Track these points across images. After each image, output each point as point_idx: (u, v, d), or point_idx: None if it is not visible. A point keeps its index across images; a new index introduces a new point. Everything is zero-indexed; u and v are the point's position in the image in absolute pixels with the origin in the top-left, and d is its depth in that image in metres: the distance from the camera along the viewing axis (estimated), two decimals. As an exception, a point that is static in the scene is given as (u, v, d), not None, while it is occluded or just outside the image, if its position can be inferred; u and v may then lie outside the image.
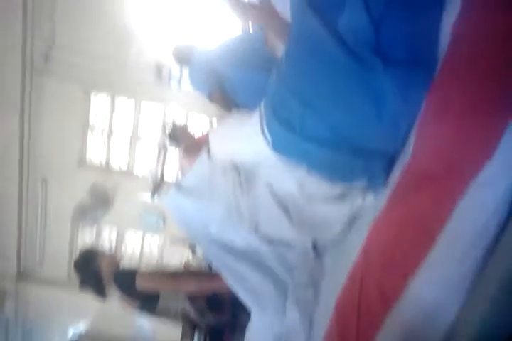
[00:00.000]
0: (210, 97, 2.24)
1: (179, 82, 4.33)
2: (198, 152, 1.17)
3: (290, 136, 0.92)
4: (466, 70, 0.74)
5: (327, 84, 0.86)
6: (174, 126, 3.38)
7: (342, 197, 1.03)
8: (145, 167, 4.55)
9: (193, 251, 4.59)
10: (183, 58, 2.27)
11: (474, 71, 0.72)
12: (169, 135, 3.60)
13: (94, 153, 4.97)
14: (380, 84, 0.81)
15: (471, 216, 0.78)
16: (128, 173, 5.01)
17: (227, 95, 2.09)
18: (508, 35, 0.68)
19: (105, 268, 1.63)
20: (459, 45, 0.75)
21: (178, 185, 1.13)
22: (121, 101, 4.80)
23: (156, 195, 4.04)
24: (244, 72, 1.92)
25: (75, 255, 1.83)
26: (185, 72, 4.12)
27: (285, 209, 1.05)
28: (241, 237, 1.08)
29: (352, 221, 1.08)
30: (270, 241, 1.07)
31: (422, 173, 0.82)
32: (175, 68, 4.19)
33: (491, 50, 0.70)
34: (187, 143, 3.22)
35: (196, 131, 2.62)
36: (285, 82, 0.95)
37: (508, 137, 0.70)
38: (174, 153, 4.68)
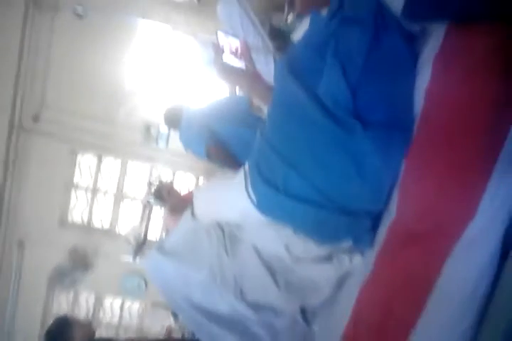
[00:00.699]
0: (208, 153, 2.15)
1: (167, 140, 4.40)
2: (183, 211, 1.16)
3: (274, 195, 0.92)
4: (441, 132, 0.77)
5: (308, 146, 0.88)
6: (160, 184, 3.38)
7: (329, 258, 1.01)
8: (128, 226, 4.45)
9: (175, 316, 4.37)
10: (174, 121, 2.30)
11: (449, 132, 0.76)
12: (155, 193, 3.58)
13: (77, 212, 4.88)
14: (360, 145, 0.83)
15: (460, 275, 0.78)
16: (110, 233, 4.89)
17: (224, 148, 2.06)
18: (477, 98, 0.72)
19: (79, 339, 1.51)
20: (433, 108, 0.79)
21: (160, 247, 1.10)
22: (108, 160, 4.82)
23: (138, 257, 3.91)
24: (232, 128, 1.94)
25: (48, 324, 1.71)
26: (174, 132, 4.26)
27: (272, 272, 1.02)
28: (226, 303, 1.03)
29: (340, 283, 1.05)
30: (257, 308, 1.02)
31: (407, 233, 0.82)
32: (163, 127, 4.29)
33: (464, 111, 0.74)
34: (172, 201, 3.18)
35: (182, 190, 2.57)
36: (268, 142, 0.97)
37: (488, 196, 0.72)
38: (158, 212, 4.63)
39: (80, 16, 2.82)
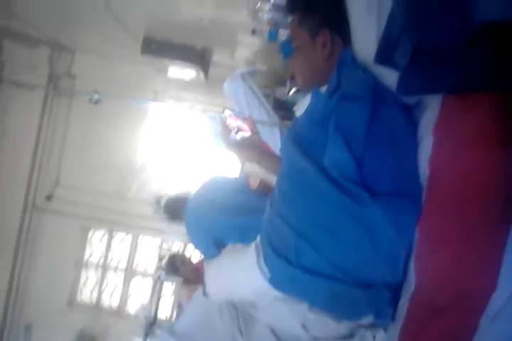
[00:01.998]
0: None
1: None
2: (198, 281, 1.12)
3: (287, 268, 0.90)
4: (449, 201, 0.77)
5: (319, 217, 0.87)
6: (173, 254, 3.30)
7: (350, 337, 0.95)
8: (138, 305, 4.29)
9: None
10: (175, 213, 2.14)
11: (456, 201, 0.75)
12: (168, 263, 3.49)
13: (86, 291, 4.74)
14: (371, 214, 0.83)
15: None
16: (119, 313, 4.70)
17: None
18: (481, 167, 0.73)
19: None
20: (438, 177, 0.79)
21: (171, 329, 1.05)
22: (119, 236, 4.81)
23: (148, 338, 3.71)
24: (234, 222, 1.72)
25: None
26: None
27: (289, 354, 0.95)
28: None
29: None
30: None
31: (429, 306, 0.77)
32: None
33: (469, 180, 0.74)
34: (187, 271, 3.08)
35: (194, 260, 2.48)
36: (278, 214, 0.97)
37: (507, 264, 0.69)
38: (169, 288, 4.48)
39: (95, 102, 3.01)
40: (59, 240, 4.48)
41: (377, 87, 0.89)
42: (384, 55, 0.83)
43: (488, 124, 0.71)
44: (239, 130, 1.29)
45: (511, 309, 0.70)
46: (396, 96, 0.89)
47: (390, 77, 0.88)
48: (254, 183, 1.75)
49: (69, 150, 4.55)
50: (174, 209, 2.13)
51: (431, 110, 0.83)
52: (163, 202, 2.28)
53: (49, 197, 4.50)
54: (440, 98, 0.81)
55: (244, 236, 1.28)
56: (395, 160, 0.86)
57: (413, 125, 0.89)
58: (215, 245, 1.33)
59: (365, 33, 0.90)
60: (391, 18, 0.80)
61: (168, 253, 3.90)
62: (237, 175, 2.04)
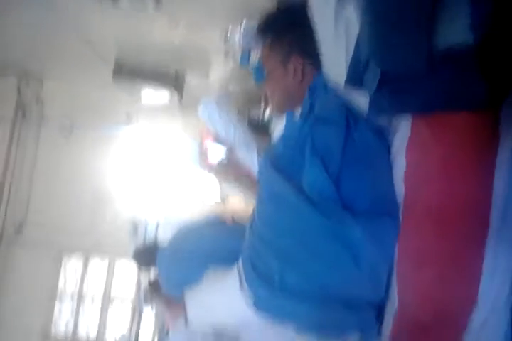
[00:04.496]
0: None
1: (155, 236, 4.33)
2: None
3: (271, 293, 0.89)
4: (425, 219, 0.79)
5: (300, 239, 0.88)
6: (155, 278, 3.20)
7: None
8: (117, 335, 4.13)
9: None
10: (147, 263, 2.05)
11: (433, 218, 0.77)
12: (150, 287, 3.38)
13: (61, 323, 4.54)
14: (351, 233, 0.84)
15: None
16: (98, 343, 4.51)
17: None
18: (455, 184, 0.75)
19: None
20: (413, 195, 0.82)
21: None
22: (95, 262, 4.67)
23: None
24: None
25: None
26: (162, 226, 4.21)
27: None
28: None
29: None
30: None
31: (412, 324, 0.78)
32: (151, 224, 4.26)
33: (443, 198, 0.76)
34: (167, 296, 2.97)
35: None
36: (259, 237, 0.96)
37: (487, 280, 0.71)
38: (149, 315, 4.35)
39: (65, 129, 2.97)
40: (31, 272, 4.29)
41: (349, 111, 0.91)
42: (354, 79, 0.85)
43: (457, 146, 0.74)
44: (215, 152, 1.30)
45: (493, 324, 0.72)
46: (368, 119, 0.92)
47: (361, 100, 0.90)
48: (228, 220, 1.73)
49: (39, 180, 4.41)
50: (145, 256, 2.05)
51: (402, 131, 0.86)
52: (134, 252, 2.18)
53: (19, 229, 4.34)
54: (410, 119, 0.84)
55: (226, 258, 1.25)
56: (371, 179, 0.88)
57: (386, 145, 0.92)
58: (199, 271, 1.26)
59: (335, 58, 0.93)
60: (358, 43, 0.84)
61: (148, 278, 3.80)
62: (206, 217, 1.98)
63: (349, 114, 0.91)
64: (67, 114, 3.12)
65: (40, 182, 4.41)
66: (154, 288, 3.08)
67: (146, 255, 2.00)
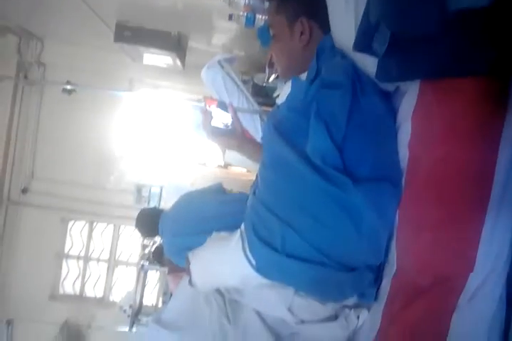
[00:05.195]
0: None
1: (159, 200, 4.39)
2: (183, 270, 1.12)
3: (274, 256, 0.91)
4: (428, 184, 0.79)
5: (302, 204, 0.89)
6: (158, 245, 3.28)
7: (336, 318, 0.98)
8: (122, 293, 4.28)
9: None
10: (150, 227, 2.07)
11: (436, 184, 0.78)
12: (152, 255, 3.46)
13: (69, 283, 4.70)
14: (353, 200, 0.84)
15: (469, 329, 0.76)
16: (104, 302, 4.68)
17: None
18: (459, 150, 0.75)
19: None
20: (417, 161, 0.82)
21: (158, 318, 1.06)
22: (100, 226, 4.76)
23: (134, 326, 3.72)
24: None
25: None
26: (165, 189, 4.26)
27: (277, 337, 0.98)
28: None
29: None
30: None
31: (410, 286, 0.81)
32: (154, 187, 4.31)
33: (447, 163, 0.76)
34: (170, 261, 3.07)
35: None
36: (262, 202, 0.97)
37: (484, 246, 0.72)
38: (154, 277, 4.48)
39: (68, 91, 2.92)
40: (38, 233, 4.40)
41: (356, 74, 0.90)
42: (362, 43, 0.83)
43: (464, 112, 0.73)
44: (219, 116, 1.29)
45: (487, 289, 0.74)
46: (375, 83, 0.90)
47: (369, 64, 0.89)
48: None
49: (43, 141, 4.42)
50: (148, 223, 2.04)
51: (409, 96, 0.85)
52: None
53: (25, 190, 4.40)
54: (418, 84, 0.83)
55: (229, 224, 1.26)
56: (375, 145, 0.88)
57: (392, 111, 0.91)
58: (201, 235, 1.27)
59: (344, 21, 0.91)
60: (369, 5, 0.81)
61: (152, 243, 3.88)
62: (209, 185, 1.97)
63: (356, 78, 0.89)
64: (68, 76, 3.07)
65: (44, 145, 4.42)
66: (158, 254, 3.17)
67: (149, 224, 2.01)
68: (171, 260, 3.04)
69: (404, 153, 0.85)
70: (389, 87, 0.92)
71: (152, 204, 4.26)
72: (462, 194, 0.75)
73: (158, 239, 3.90)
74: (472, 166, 0.74)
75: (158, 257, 3.20)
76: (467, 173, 0.74)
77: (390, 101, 0.92)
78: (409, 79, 0.84)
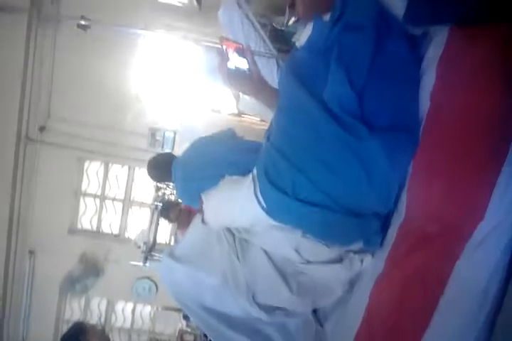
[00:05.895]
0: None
1: (172, 144, 4.43)
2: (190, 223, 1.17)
3: (284, 199, 0.93)
4: (447, 133, 0.78)
5: (316, 150, 0.89)
6: (167, 204, 3.37)
7: (340, 261, 1.02)
8: (137, 231, 4.47)
9: (187, 319, 4.39)
10: (163, 172, 2.01)
11: (455, 133, 0.76)
12: (160, 212, 3.56)
13: (86, 219, 4.91)
14: (367, 149, 0.84)
15: (471, 275, 0.78)
16: (120, 238, 4.92)
17: None
18: (482, 99, 0.73)
19: None
20: (439, 109, 0.80)
21: (171, 253, 1.11)
22: (115, 167, 4.86)
23: (148, 261, 3.94)
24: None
25: (62, 330, 1.74)
26: (179, 134, 4.27)
27: (283, 275, 1.03)
28: (238, 307, 1.04)
29: (352, 283, 1.06)
30: (269, 310, 1.03)
31: (417, 234, 0.82)
32: (168, 132, 4.32)
33: (469, 112, 0.75)
34: (178, 217, 3.18)
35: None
36: (275, 146, 0.98)
37: (497, 197, 0.73)
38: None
39: (83, 27, 2.84)
40: (55, 170, 4.52)
41: (382, 16, 0.85)
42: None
43: (493, 56, 0.70)
44: (235, 59, 1.25)
45: (494, 238, 0.76)
46: (402, 27, 0.85)
47: (397, 6, 0.84)
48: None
49: (59, 80, 4.39)
50: (159, 171, 2.02)
51: (436, 43, 0.81)
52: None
53: (42, 128, 4.45)
54: (446, 30, 0.79)
55: (241, 170, 1.27)
56: (396, 94, 0.85)
57: (418, 57, 0.87)
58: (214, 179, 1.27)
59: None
60: None
61: (165, 185, 3.97)
62: (223, 130, 1.93)
63: (382, 22, 0.84)
64: (83, 13, 2.96)
65: (60, 84, 4.39)
66: (165, 211, 3.26)
67: (160, 172, 2.02)
68: (178, 216, 3.14)
69: (425, 102, 0.83)
70: (416, 31, 0.87)
71: (166, 149, 4.30)
72: (481, 144, 0.74)
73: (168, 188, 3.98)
74: (493, 114, 0.72)
75: (165, 214, 3.31)
76: (488, 121, 0.73)
77: (416, 47, 0.88)
78: (438, 24, 0.80)
